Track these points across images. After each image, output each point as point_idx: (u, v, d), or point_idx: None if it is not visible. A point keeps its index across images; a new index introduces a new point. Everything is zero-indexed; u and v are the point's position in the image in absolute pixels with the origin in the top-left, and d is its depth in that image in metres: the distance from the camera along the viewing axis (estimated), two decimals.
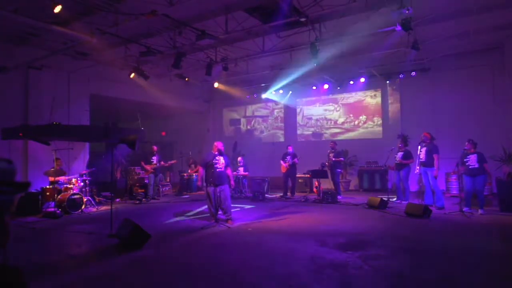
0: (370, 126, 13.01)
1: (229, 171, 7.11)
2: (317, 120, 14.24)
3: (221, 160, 6.86)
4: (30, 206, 7.98)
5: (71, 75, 10.46)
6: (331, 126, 13.86)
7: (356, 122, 13.30)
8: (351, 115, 13.44)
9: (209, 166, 6.82)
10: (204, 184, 6.94)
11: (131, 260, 4.67)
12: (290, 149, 10.86)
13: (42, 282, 3.73)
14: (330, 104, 13.93)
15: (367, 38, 8.88)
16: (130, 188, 11.19)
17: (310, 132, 14.39)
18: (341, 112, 13.65)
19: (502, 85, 10.08)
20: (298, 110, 14.70)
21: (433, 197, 8.19)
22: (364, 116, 13.11)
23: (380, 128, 12.77)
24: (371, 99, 12.99)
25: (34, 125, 8.41)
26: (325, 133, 13.96)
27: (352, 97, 13.40)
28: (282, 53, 10.14)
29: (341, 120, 13.64)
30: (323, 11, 7.56)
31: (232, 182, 7.18)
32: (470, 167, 7.39)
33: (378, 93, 12.85)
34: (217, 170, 6.79)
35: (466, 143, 7.49)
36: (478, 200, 7.35)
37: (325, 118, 14.01)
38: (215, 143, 7.08)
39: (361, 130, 13.19)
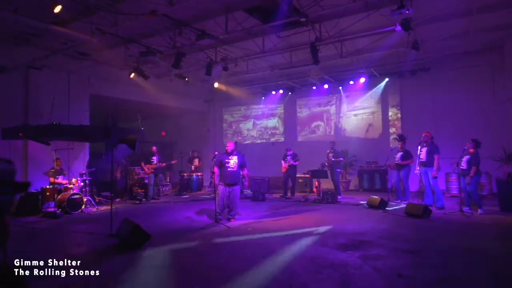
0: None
1: (245, 171, 7.31)
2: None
3: (233, 160, 6.97)
4: (30, 206, 7.97)
5: (71, 75, 10.45)
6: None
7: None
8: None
9: (221, 166, 6.99)
10: (217, 183, 7.06)
11: (131, 260, 4.67)
12: (289, 153, 10.85)
13: (42, 281, 3.73)
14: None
15: (367, 38, 8.90)
16: (130, 188, 11.19)
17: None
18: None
19: (502, 85, 10.08)
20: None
21: (433, 197, 8.19)
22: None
23: (380, 128, 12.79)
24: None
25: (34, 125, 8.41)
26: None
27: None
28: (282, 53, 10.16)
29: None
30: (323, 11, 7.56)
31: (246, 183, 7.19)
32: (460, 167, 7.47)
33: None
34: (228, 169, 6.90)
35: (468, 142, 7.48)
36: (473, 201, 7.38)
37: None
38: (227, 144, 7.32)
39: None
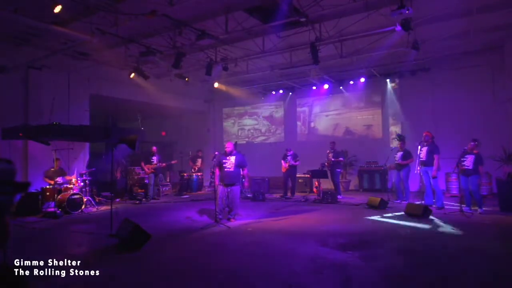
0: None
1: (245, 171, 7.31)
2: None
3: (230, 160, 6.97)
4: (30, 206, 7.97)
5: (71, 75, 10.44)
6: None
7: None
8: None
9: (219, 166, 7.03)
10: (217, 183, 7.08)
11: (131, 260, 4.67)
12: (290, 153, 10.85)
13: (43, 282, 3.73)
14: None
15: (367, 38, 8.89)
16: (130, 188, 11.18)
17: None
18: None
19: (502, 85, 10.08)
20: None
21: (433, 197, 8.19)
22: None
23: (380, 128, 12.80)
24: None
25: (34, 125, 8.41)
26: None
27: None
28: (282, 53, 10.15)
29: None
30: (323, 11, 7.56)
31: (246, 183, 7.15)
32: (464, 167, 7.44)
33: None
34: (225, 170, 6.93)
35: (470, 142, 7.48)
36: (475, 200, 7.37)
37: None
38: (226, 144, 7.37)
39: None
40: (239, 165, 7.04)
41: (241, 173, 7.35)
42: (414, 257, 4.51)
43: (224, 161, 6.98)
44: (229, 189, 6.93)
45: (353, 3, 7.08)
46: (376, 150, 11.99)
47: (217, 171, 7.12)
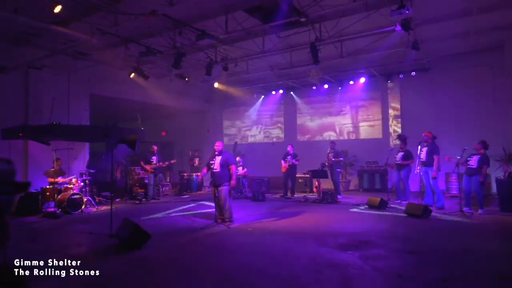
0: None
1: (232, 169, 6.80)
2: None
3: (216, 160, 6.76)
4: (30, 206, 7.98)
5: (71, 75, 10.44)
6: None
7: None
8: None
9: (208, 167, 6.89)
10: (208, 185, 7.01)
11: (131, 260, 4.67)
12: (290, 149, 10.86)
13: (42, 282, 3.73)
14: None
15: (367, 38, 8.89)
16: (130, 188, 11.18)
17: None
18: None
19: (502, 85, 10.07)
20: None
21: (433, 197, 8.19)
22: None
23: (380, 128, 12.80)
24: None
25: (34, 125, 8.41)
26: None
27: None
28: (282, 53, 10.14)
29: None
30: (323, 11, 7.55)
31: (233, 182, 6.93)
32: (469, 166, 7.45)
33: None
34: (213, 170, 6.75)
35: (477, 144, 7.50)
36: (477, 200, 7.37)
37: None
38: (216, 143, 7.13)
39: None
40: (224, 164, 6.73)
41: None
42: (414, 257, 4.51)
43: (211, 162, 6.78)
44: (217, 190, 6.76)
45: (353, 3, 7.07)
46: (376, 150, 11.98)
47: (204, 170, 7.07)
